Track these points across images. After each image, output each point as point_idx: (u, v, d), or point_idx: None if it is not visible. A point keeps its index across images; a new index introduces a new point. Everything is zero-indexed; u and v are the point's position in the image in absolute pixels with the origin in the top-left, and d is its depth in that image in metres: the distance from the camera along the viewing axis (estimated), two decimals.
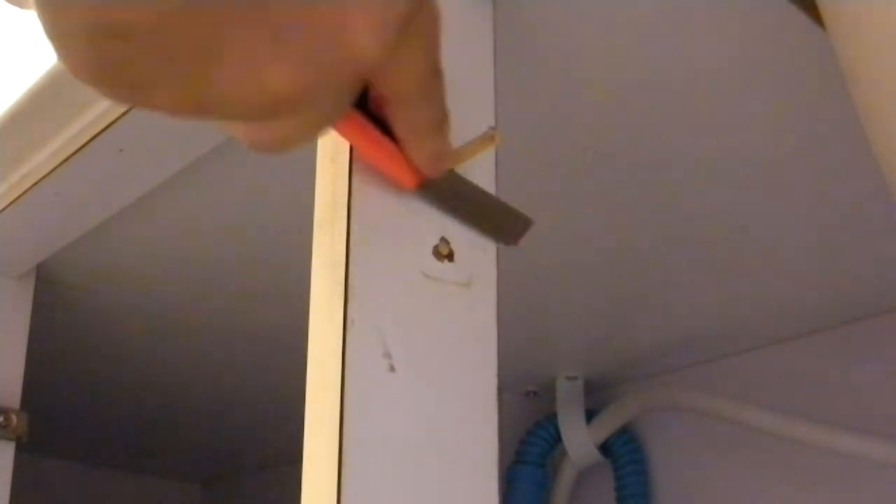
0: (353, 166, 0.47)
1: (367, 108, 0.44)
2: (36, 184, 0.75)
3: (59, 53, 0.33)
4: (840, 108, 0.57)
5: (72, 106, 0.67)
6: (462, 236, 0.51)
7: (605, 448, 1.10)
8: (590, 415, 1.10)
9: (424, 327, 0.48)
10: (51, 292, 0.96)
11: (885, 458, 0.88)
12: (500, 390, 0.50)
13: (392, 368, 0.46)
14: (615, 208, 0.80)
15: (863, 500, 0.95)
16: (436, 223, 0.50)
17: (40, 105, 0.68)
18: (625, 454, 1.09)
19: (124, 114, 0.67)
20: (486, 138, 0.50)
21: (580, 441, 1.09)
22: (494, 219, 0.51)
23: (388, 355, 0.46)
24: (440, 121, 0.45)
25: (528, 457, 1.10)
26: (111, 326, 1.06)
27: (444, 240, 0.50)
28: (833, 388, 0.97)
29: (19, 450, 0.88)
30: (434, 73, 0.43)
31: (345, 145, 0.48)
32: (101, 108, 0.67)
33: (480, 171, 0.53)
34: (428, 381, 0.47)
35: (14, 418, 0.88)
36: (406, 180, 0.47)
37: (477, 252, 0.51)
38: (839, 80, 0.49)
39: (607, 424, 1.09)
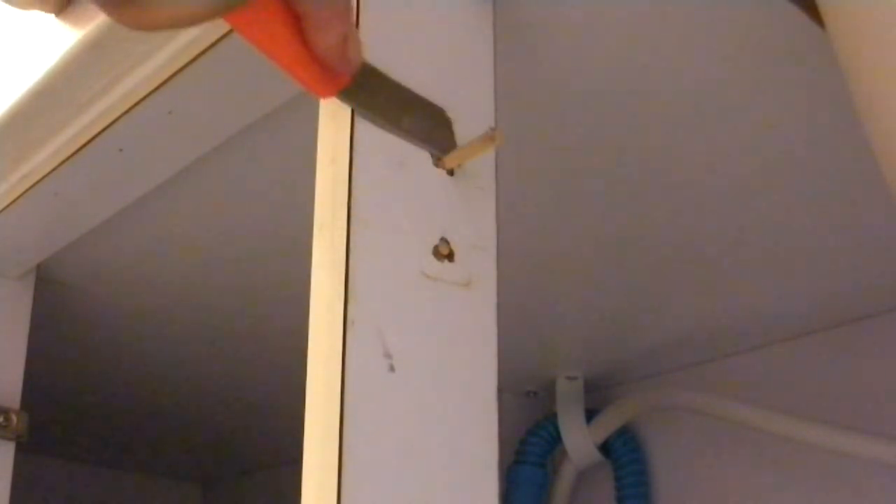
0: (353, 166, 0.47)
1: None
2: (36, 184, 0.75)
3: None
4: (840, 108, 0.57)
5: (72, 106, 0.68)
6: (462, 236, 0.51)
7: (605, 448, 1.10)
8: (590, 415, 1.10)
9: (424, 327, 0.48)
10: (51, 292, 0.96)
11: (885, 458, 0.88)
12: (500, 390, 0.50)
13: (392, 368, 0.46)
14: (615, 208, 0.80)
15: (863, 500, 0.95)
16: (436, 223, 0.50)
17: (40, 105, 0.68)
18: (625, 454, 1.09)
19: (124, 114, 0.67)
20: (486, 138, 0.50)
21: (580, 441, 1.09)
22: (420, 118, 0.50)
23: (388, 355, 0.46)
24: (343, 3, 0.42)
25: (528, 457, 1.10)
26: (111, 326, 1.06)
27: (444, 240, 0.50)
28: (833, 388, 0.97)
29: (19, 450, 0.88)
30: None
31: (344, 146, 0.48)
32: (101, 108, 0.67)
33: (481, 171, 0.53)
34: (428, 381, 0.47)
35: (14, 418, 0.88)
36: (323, 85, 0.44)
37: (477, 252, 0.51)
38: (839, 80, 0.49)
39: (607, 424, 1.09)
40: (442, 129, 0.51)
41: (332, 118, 0.49)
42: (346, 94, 0.45)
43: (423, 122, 0.50)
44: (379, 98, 0.48)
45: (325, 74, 0.43)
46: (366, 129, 0.48)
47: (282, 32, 0.42)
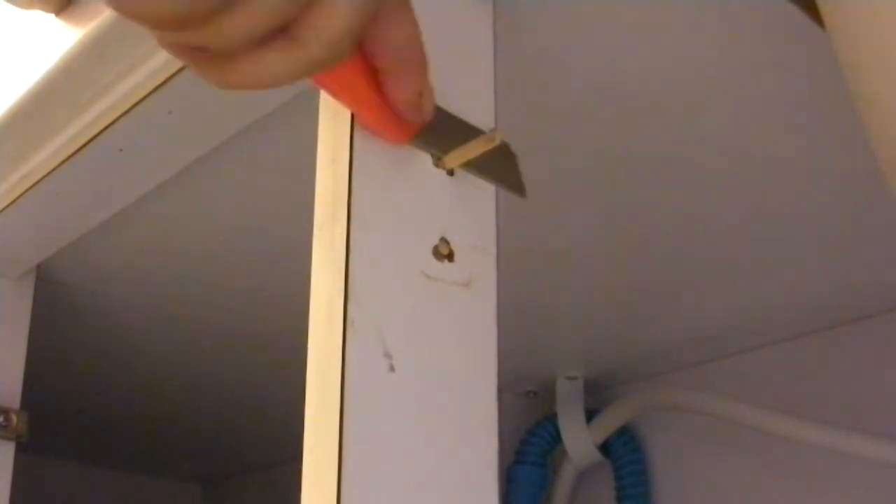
0: (353, 166, 0.47)
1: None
2: (36, 184, 0.75)
3: None
4: (840, 107, 0.57)
5: (72, 106, 0.67)
6: (462, 236, 0.51)
7: (605, 448, 1.10)
8: (590, 415, 1.10)
9: (424, 327, 0.48)
10: (51, 292, 0.96)
11: (885, 458, 0.88)
12: (500, 390, 0.50)
13: (392, 368, 0.46)
14: (616, 208, 0.80)
15: (863, 500, 0.95)
16: (436, 223, 0.50)
17: (40, 105, 0.68)
18: (625, 454, 1.09)
19: (124, 114, 0.67)
20: (486, 138, 0.50)
21: (580, 441, 1.09)
22: (490, 155, 0.51)
23: (388, 355, 0.46)
24: (419, 59, 0.45)
25: (528, 457, 1.10)
26: (111, 326, 1.06)
27: (444, 240, 0.50)
28: (833, 388, 0.97)
29: (19, 450, 0.88)
30: (416, 33, 0.44)
31: (344, 146, 0.48)
32: (102, 108, 0.67)
33: None
34: (428, 381, 0.47)
35: (14, 418, 0.88)
36: (397, 133, 0.47)
37: (477, 252, 0.51)
38: (839, 80, 0.49)
39: (607, 424, 1.09)
40: (509, 163, 0.53)
41: (332, 118, 0.49)
42: (418, 139, 0.48)
43: (492, 158, 0.51)
44: (450, 140, 0.50)
45: (399, 123, 0.46)
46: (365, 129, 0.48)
47: (361, 85, 0.44)
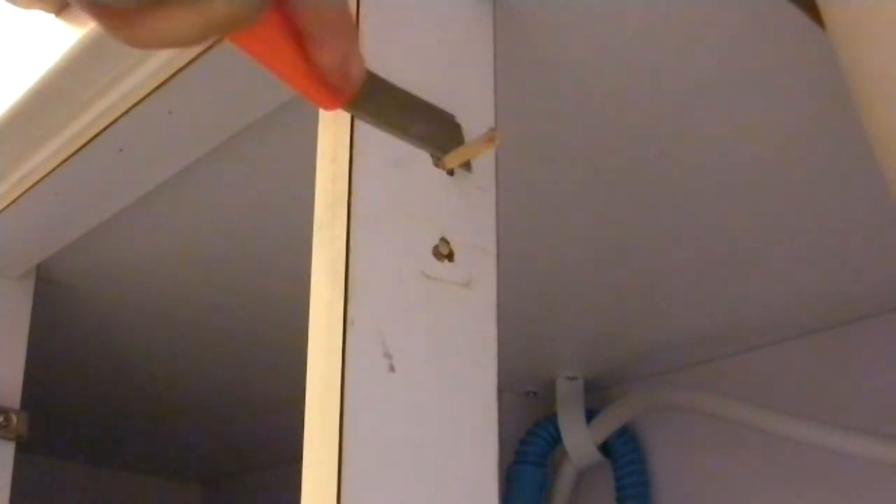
0: (353, 166, 0.47)
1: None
2: (36, 184, 0.75)
3: None
4: (840, 108, 0.57)
5: (72, 106, 0.68)
6: (462, 236, 0.51)
7: (605, 448, 1.10)
8: (590, 415, 1.10)
9: (424, 327, 0.48)
10: (51, 292, 0.96)
11: (885, 458, 0.88)
12: (500, 390, 0.50)
13: (392, 368, 0.46)
14: (615, 208, 0.80)
15: (863, 500, 0.95)
16: (436, 223, 0.50)
17: (40, 105, 0.68)
18: (625, 454, 1.09)
19: (124, 114, 0.67)
20: (486, 138, 0.50)
21: (580, 441, 1.09)
22: (428, 125, 0.50)
23: (388, 355, 0.46)
24: (345, 20, 0.42)
25: (528, 457, 1.10)
26: (111, 326, 1.06)
27: (444, 240, 0.50)
28: (833, 388, 0.97)
29: (19, 450, 0.88)
30: None
31: (344, 146, 0.48)
32: (101, 108, 0.67)
33: (481, 171, 0.53)
34: (428, 381, 0.47)
35: (14, 418, 0.88)
36: (327, 100, 0.45)
37: (477, 252, 0.51)
38: (839, 80, 0.49)
39: (607, 424, 1.09)
40: (451, 133, 0.52)
41: (332, 118, 0.49)
42: (351, 106, 0.46)
43: (432, 128, 0.50)
44: (385, 107, 0.48)
45: (329, 88, 0.43)
46: (366, 128, 0.48)
47: (285, 49, 0.42)
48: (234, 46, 0.41)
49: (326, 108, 0.45)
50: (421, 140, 0.50)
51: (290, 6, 0.41)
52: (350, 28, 0.43)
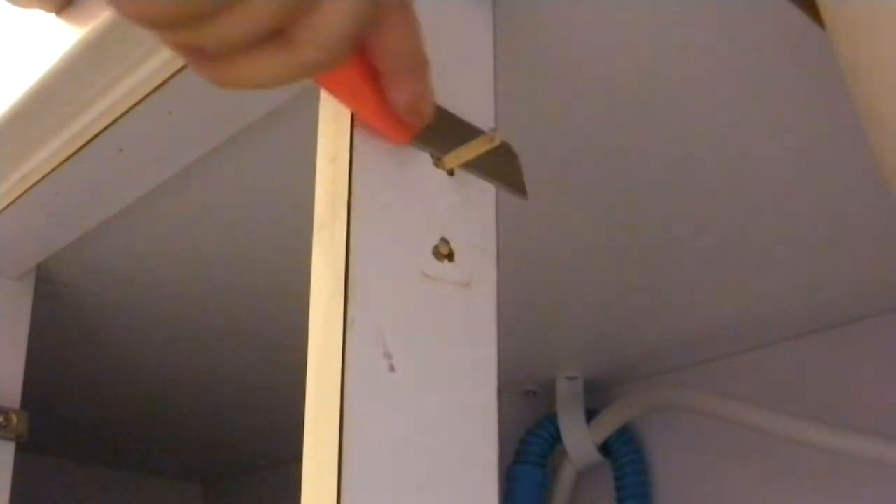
0: (353, 166, 0.47)
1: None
2: (36, 184, 0.75)
3: None
4: (840, 108, 0.57)
5: (72, 106, 0.67)
6: (462, 236, 0.51)
7: (605, 448, 1.10)
8: (590, 415, 1.10)
9: (424, 327, 0.48)
10: (51, 292, 0.95)
11: (885, 458, 0.88)
12: (500, 390, 0.50)
13: (392, 368, 0.46)
14: (614, 208, 0.80)
15: (863, 500, 0.95)
16: (436, 223, 0.50)
17: (40, 105, 0.68)
18: (625, 454, 1.09)
19: (124, 114, 0.67)
20: (486, 138, 0.50)
21: (580, 441, 1.09)
22: (491, 155, 0.51)
23: (388, 355, 0.46)
24: (420, 63, 0.45)
25: (528, 457, 1.10)
26: (111, 326, 1.06)
27: (444, 240, 0.50)
28: (833, 388, 0.97)
29: (19, 450, 0.88)
30: (417, 36, 0.44)
31: (344, 146, 0.48)
32: (101, 108, 0.67)
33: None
34: (428, 381, 0.47)
35: (14, 418, 0.88)
36: (397, 134, 0.48)
37: (477, 252, 0.51)
38: (839, 80, 0.49)
39: (607, 424, 1.09)
40: (510, 162, 0.53)
41: (333, 118, 0.49)
42: (420, 140, 0.49)
43: (497, 160, 0.52)
44: (451, 141, 0.50)
45: (400, 123, 0.47)
46: (366, 129, 0.48)
47: (362, 86, 0.45)
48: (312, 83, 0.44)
49: (396, 142, 0.48)
50: (483, 172, 0.52)
51: (370, 48, 0.43)
52: (424, 67, 0.45)
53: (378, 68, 0.44)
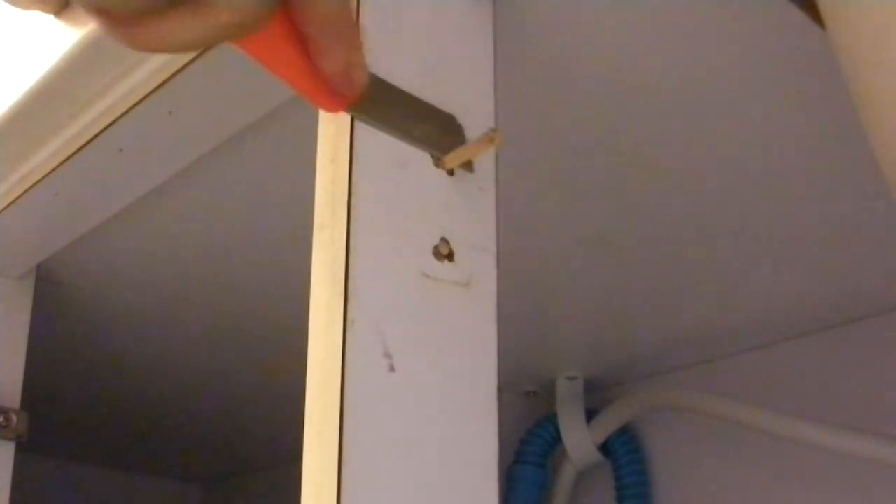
0: (353, 166, 0.47)
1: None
2: (36, 184, 0.75)
3: None
4: (840, 108, 0.57)
5: (72, 106, 0.68)
6: (462, 236, 0.51)
7: (605, 448, 1.10)
8: (590, 415, 1.10)
9: (424, 327, 0.48)
10: (51, 292, 0.95)
11: (885, 458, 0.88)
12: (500, 390, 0.50)
13: (392, 368, 0.46)
14: (615, 208, 0.80)
15: (863, 500, 0.95)
16: (436, 223, 0.50)
17: (40, 105, 0.68)
18: (625, 454, 1.09)
19: (124, 114, 0.67)
20: (486, 138, 0.50)
21: (580, 441, 1.09)
22: (430, 126, 0.50)
23: (388, 355, 0.46)
24: (348, 27, 0.43)
25: (528, 457, 1.10)
26: (111, 326, 1.06)
27: (444, 240, 0.50)
28: (833, 388, 0.97)
29: (19, 450, 0.88)
30: (345, 3, 0.42)
31: (344, 146, 0.48)
32: (101, 108, 0.67)
33: (481, 171, 0.53)
34: (428, 381, 0.47)
35: (14, 418, 0.88)
36: (330, 102, 0.45)
37: (477, 252, 0.51)
38: (839, 80, 0.49)
39: (607, 424, 1.09)
40: (452, 135, 0.52)
41: (333, 118, 0.49)
42: (354, 109, 0.46)
43: (434, 130, 0.51)
44: (388, 110, 0.48)
45: (333, 92, 0.44)
46: (366, 129, 0.48)
47: (289, 53, 0.42)
48: (236, 49, 0.42)
49: (329, 110, 0.46)
50: (422, 142, 0.50)
51: (294, 12, 0.41)
52: (353, 32, 0.43)
53: (303, 32, 0.42)
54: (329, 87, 0.43)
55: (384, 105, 0.48)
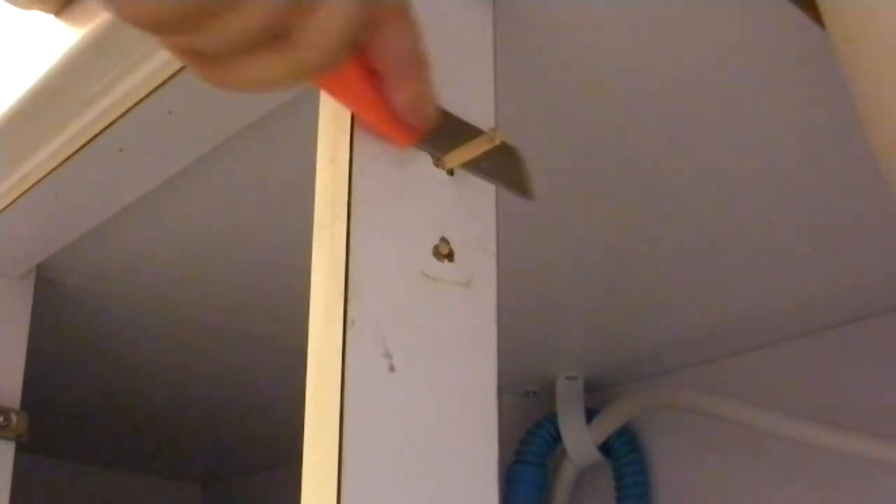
0: (353, 166, 0.47)
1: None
2: (36, 184, 0.75)
3: None
4: (840, 108, 0.57)
5: (72, 106, 0.67)
6: (462, 236, 0.51)
7: (605, 448, 1.10)
8: (590, 415, 1.10)
9: (424, 327, 0.48)
10: (51, 292, 0.95)
11: (885, 458, 0.88)
12: (500, 390, 0.50)
13: (392, 368, 0.46)
14: (615, 209, 0.80)
15: (863, 500, 0.95)
16: (436, 223, 0.50)
17: (40, 105, 0.68)
18: (625, 454, 1.09)
19: (124, 114, 0.67)
20: (486, 138, 0.50)
21: (580, 441, 1.09)
22: (498, 158, 0.51)
23: (388, 355, 0.46)
24: (419, 64, 0.45)
25: (528, 457, 1.10)
26: (111, 326, 1.06)
27: (444, 240, 0.50)
28: (833, 388, 0.97)
29: (19, 450, 0.88)
30: (416, 38, 0.44)
31: (344, 146, 0.48)
32: (101, 108, 0.67)
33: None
34: (428, 381, 0.47)
35: (14, 418, 0.88)
36: (400, 137, 0.47)
37: (477, 252, 0.51)
38: (839, 80, 0.49)
39: (607, 424, 1.09)
40: (516, 166, 0.53)
41: (333, 118, 0.49)
42: (424, 143, 0.48)
43: (500, 162, 0.51)
44: (453, 142, 0.50)
45: (403, 126, 0.46)
46: (366, 129, 0.48)
47: (363, 88, 0.44)
48: (311, 84, 0.44)
49: (400, 144, 0.48)
50: (489, 174, 0.52)
51: (370, 50, 0.43)
52: (424, 69, 0.45)
53: (377, 70, 0.44)
54: (398, 120, 0.46)
55: (453, 139, 0.50)
